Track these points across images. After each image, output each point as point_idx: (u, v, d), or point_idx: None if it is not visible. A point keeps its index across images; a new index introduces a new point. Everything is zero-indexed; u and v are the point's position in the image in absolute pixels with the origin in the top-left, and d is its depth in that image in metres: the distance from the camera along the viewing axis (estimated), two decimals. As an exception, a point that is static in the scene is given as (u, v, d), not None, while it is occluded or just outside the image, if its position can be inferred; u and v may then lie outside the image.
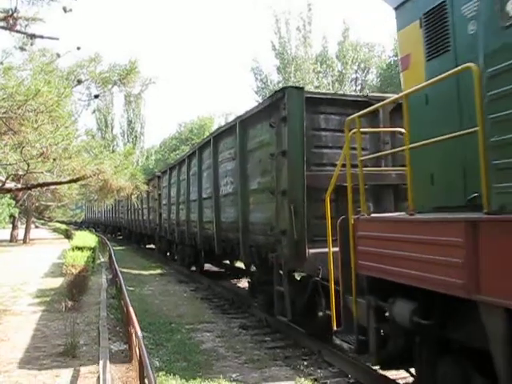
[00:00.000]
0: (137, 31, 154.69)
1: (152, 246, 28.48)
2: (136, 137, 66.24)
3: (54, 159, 7.05)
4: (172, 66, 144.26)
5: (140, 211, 28.09)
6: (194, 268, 18.19)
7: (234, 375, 7.16)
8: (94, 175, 8.10)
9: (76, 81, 7.84)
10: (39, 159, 7.08)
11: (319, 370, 7.30)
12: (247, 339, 9.13)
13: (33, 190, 12.17)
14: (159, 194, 22.41)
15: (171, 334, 9.48)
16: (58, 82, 6.68)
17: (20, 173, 7.80)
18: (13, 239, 37.00)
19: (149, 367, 4.69)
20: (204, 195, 13.58)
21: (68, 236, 36.77)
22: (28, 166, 7.29)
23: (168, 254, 23.29)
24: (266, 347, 8.54)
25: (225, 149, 11.43)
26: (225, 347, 8.63)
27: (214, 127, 46.91)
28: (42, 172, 8.08)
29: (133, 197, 11.82)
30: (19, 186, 8.52)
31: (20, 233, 37.92)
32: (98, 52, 8.11)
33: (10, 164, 7.59)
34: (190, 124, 55.63)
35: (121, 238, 40.18)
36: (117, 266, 16.40)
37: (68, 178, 8.55)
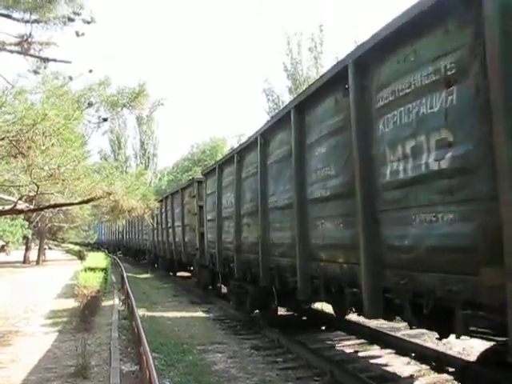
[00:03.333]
0: (150, 54, 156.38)
1: (184, 273, 23.93)
2: (149, 158, 66.85)
3: (63, 180, 7.10)
4: (184, 87, 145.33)
5: (170, 231, 22.47)
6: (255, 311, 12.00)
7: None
8: (105, 196, 8.16)
9: (87, 103, 7.96)
10: (48, 181, 7.15)
11: (331, 391, 7.20)
12: (259, 360, 9.03)
13: (45, 211, 12.25)
14: (200, 207, 16.37)
15: (183, 355, 9.41)
16: (66, 105, 6.79)
17: (31, 194, 7.89)
18: (26, 260, 37.15)
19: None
20: (317, 192, 7.13)
21: (81, 257, 36.85)
22: (38, 187, 7.36)
23: (210, 287, 17.35)
24: (277, 368, 8.44)
25: (401, 85, 5.14)
26: (236, 368, 8.55)
27: (227, 148, 47.09)
28: (52, 193, 8.15)
29: (146, 216, 11.40)
30: (31, 207, 8.61)
31: (33, 254, 38.08)
32: (107, 75, 8.24)
33: (21, 186, 7.70)
34: (203, 145, 55.91)
35: (145, 262, 33.44)
36: (129, 288, 16.41)
37: (79, 199, 8.63)
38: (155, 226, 25.76)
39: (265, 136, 9.51)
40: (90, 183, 7.59)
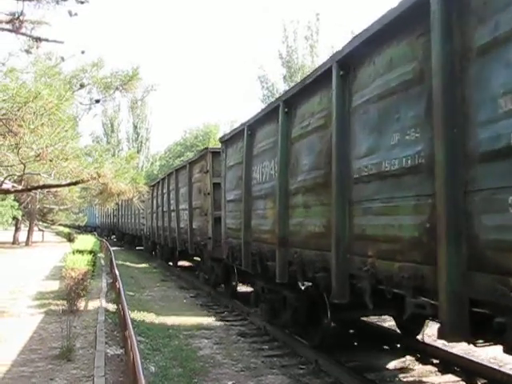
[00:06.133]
0: (144, 38, 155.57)
1: (185, 262, 21.70)
2: (141, 142, 66.86)
3: (51, 160, 7.05)
4: (178, 73, 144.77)
5: (173, 215, 18.92)
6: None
7: (229, 383, 7.09)
8: (94, 178, 8.10)
9: (79, 85, 7.89)
10: (36, 160, 7.10)
11: (316, 379, 7.19)
12: (245, 347, 9.03)
13: (33, 192, 12.18)
14: (215, 184, 13.30)
15: (169, 340, 9.43)
16: (59, 85, 6.73)
17: (17, 173, 7.84)
18: (15, 241, 37.09)
19: (140, 370, 4.68)
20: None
21: (70, 239, 36.81)
22: (24, 166, 7.31)
23: (222, 285, 14.29)
24: (263, 355, 8.44)
25: None
26: (222, 354, 8.55)
27: (220, 134, 46.97)
28: (38, 173, 8.09)
29: (135, 200, 11.24)
30: (18, 187, 8.54)
31: (23, 235, 38.01)
32: (100, 57, 8.16)
33: (9, 166, 7.65)
34: (196, 131, 55.73)
35: (141, 249, 30.56)
36: (117, 272, 16.37)
37: (68, 181, 8.57)
38: (154, 209, 23.14)
39: (348, 62, 6.13)
40: (78, 165, 7.53)
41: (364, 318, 9.42)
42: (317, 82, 6.85)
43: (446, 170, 4.27)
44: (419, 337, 8.47)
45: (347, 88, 6.07)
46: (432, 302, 4.51)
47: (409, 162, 4.87)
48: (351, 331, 9.48)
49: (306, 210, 7.22)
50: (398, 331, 8.82)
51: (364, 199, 5.69)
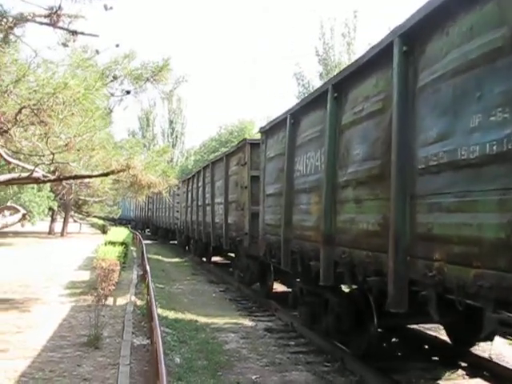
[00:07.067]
0: (183, 35, 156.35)
1: (219, 258, 22.00)
2: (176, 137, 67.54)
3: (78, 150, 7.16)
4: (214, 69, 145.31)
5: (208, 209, 18.37)
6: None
7: (253, 377, 7.10)
8: (124, 170, 8.18)
9: (112, 77, 7.98)
10: (64, 150, 7.20)
11: (340, 377, 7.15)
12: (271, 342, 9.02)
13: (67, 183, 12.30)
14: (253, 177, 12.57)
15: (195, 333, 9.49)
16: (88, 75, 6.82)
17: (46, 162, 7.98)
18: (51, 232, 37.82)
19: (162, 360, 4.71)
20: None
21: (104, 231, 37.33)
22: (53, 156, 7.43)
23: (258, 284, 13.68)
24: (288, 351, 8.42)
25: None
26: (248, 349, 8.57)
27: (255, 131, 46.94)
28: (67, 163, 8.20)
29: (164, 192, 11.23)
30: (49, 176, 8.68)
31: (58, 226, 38.71)
32: (132, 48, 8.22)
33: (40, 156, 7.79)
34: (231, 127, 55.85)
35: (175, 243, 30.67)
36: (147, 264, 16.55)
37: (97, 172, 8.69)
38: (189, 203, 22.79)
39: (413, 36, 5.26)
40: (106, 155, 7.60)
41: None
42: (373, 61, 6.06)
43: None
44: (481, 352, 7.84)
45: (412, 65, 5.25)
46: None
47: (494, 148, 3.95)
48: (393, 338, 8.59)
49: (358, 205, 6.39)
50: (448, 341, 8.20)
51: (431, 193, 4.82)
